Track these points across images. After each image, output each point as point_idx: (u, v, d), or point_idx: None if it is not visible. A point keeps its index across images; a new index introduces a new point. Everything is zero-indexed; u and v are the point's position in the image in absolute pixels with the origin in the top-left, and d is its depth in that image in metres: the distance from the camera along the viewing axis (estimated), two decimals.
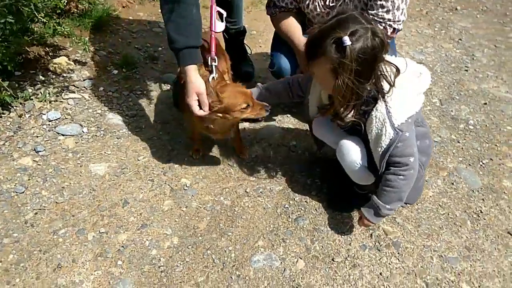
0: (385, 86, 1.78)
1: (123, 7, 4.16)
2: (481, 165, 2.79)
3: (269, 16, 2.74)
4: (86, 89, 3.06)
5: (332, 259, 2.07)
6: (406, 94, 1.82)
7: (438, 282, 2.00)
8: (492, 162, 2.83)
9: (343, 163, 2.08)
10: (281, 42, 2.71)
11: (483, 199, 2.51)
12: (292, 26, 2.58)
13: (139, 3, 4.30)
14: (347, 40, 1.60)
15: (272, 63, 2.83)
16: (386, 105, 1.80)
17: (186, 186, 2.40)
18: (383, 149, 1.85)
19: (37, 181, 2.33)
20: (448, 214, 2.39)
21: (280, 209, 2.32)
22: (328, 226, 2.24)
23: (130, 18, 4.06)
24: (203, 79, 2.11)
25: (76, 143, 2.62)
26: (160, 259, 2.01)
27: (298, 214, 2.29)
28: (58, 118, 2.76)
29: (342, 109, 1.82)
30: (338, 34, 1.62)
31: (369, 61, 1.66)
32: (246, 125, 2.94)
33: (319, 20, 2.55)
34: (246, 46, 3.52)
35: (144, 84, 3.25)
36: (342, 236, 2.19)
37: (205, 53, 2.24)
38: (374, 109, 1.83)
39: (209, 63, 2.22)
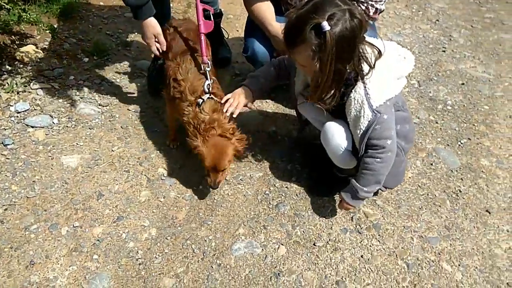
0: (365, 68, 1.74)
1: None
2: (459, 145, 2.81)
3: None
4: (56, 78, 2.93)
5: (314, 244, 2.05)
6: (385, 77, 1.79)
7: (419, 262, 2.01)
8: (470, 141, 2.85)
9: (327, 147, 2.05)
10: (254, 26, 2.64)
11: (461, 179, 2.53)
12: (265, 10, 2.50)
13: None
14: (326, 25, 1.54)
15: (246, 48, 2.75)
16: (365, 87, 1.77)
17: (164, 176, 2.34)
18: (361, 131, 1.83)
19: (6, 175, 2.23)
20: (428, 194, 2.39)
21: (261, 196, 2.28)
22: (309, 211, 2.22)
23: (101, 3, 3.91)
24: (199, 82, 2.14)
25: (46, 135, 2.51)
26: (138, 252, 1.95)
27: (279, 200, 2.26)
28: (27, 110, 2.64)
29: (324, 93, 1.78)
30: (316, 19, 1.56)
31: (349, 43, 1.62)
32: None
33: (296, 1, 2.49)
34: (222, 30, 3.43)
35: (117, 72, 3.15)
36: (323, 221, 2.18)
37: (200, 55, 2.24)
38: (353, 90, 1.80)
39: (202, 69, 2.17)
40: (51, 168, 2.30)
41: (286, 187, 2.35)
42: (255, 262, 1.95)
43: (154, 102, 2.86)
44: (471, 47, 4.09)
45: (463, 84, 3.47)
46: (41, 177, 2.25)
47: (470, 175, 2.56)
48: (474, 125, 3.02)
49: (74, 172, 2.30)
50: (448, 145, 2.79)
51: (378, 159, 1.86)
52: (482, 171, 2.60)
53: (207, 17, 2.31)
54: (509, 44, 4.24)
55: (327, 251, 2.02)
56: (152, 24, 2.27)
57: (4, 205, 2.08)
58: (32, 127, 2.53)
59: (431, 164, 2.61)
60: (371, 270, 1.95)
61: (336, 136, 1.99)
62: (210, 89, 2.12)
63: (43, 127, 2.55)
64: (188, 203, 2.21)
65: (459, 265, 2.02)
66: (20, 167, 2.29)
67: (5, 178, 2.22)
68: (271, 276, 1.90)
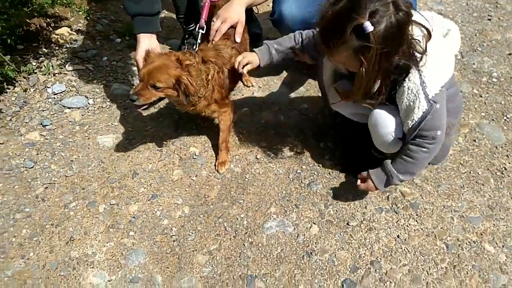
0: (417, 53, 1.60)
1: None
2: (505, 119, 2.63)
3: None
4: (90, 59, 2.98)
5: (347, 223, 2.01)
6: (439, 60, 1.64)
7: (459, 243, 1.93)
8: None
9: (375, 133, 1.91)
10: None
11: (507, 156, 2.38)
12: None
13: None
14: (369, 26, 1.40)
15: (273, 10, 2.60)
16: (420, 75, 1.62)
17: (195, 155, 2.35)
18: (414, 122, 1.69)
19: (45, 155, 2.31)
20: (470, 172, 2.27)
21: (292, 175, 2.25)
22: (342, 190, 2.17)
23: None
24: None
25: (82, 115, 2.58)
26: (172, 229, 1.98)
27: (311, 179, 2.22)
28: (63, 91, 2.70)
29: (368, 89, 1.67)
30: (356, 20, 1.42)
31: (396, 38, 1.49)
32: (255, 89, 2.83)
33: None
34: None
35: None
36: (357, 200, 2.12)
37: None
38: (407, 79, 1.65)
39: (196, 30, 2.14)
40: (88, 148, 2.36)
41: (318, 165, 2.30)
42: (287, 241, 1.94)
43: None
44: None
45: (510, 54, 3.23)
46: (79, 156, 2.32)
47: None
48: None
49: (110, 152, 2.35)
50: (493, 120, 2.63)
51: (425, 149, 1.75)
52: None
53: None
54: None
55: (361, 231, 1.98)
56: (144, 47, 2.02)
57: (44, 184, 2.17)
58: (69, 108, 2.60)
59: (474, 141, 2.47)
60: (408, 251, 1.89)
61: (388, 123, 1.83)
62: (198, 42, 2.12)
63: (79, 108, 2.61)
64: (219, 181, 2.21)
65: (503, 246, 1.92)
66: (58, 147, 2.36)
67: (44, 157, 2.30)
68: (303, 255, 1.88)
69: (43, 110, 2.57)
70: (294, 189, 2.18)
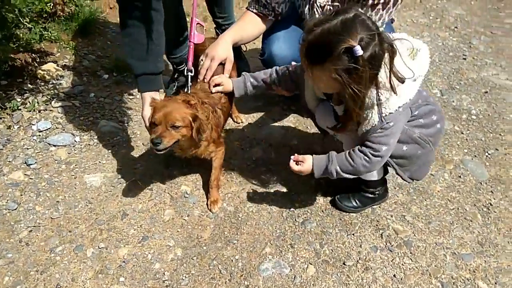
0: (381, 73, 1.67)
1: (111, 8, 4.03)
2: (487, 156, 2.73)
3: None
4: (76, 96, 2.95)
5: (343, 263, 1.99)
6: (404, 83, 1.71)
7: (454, 281, 1.94)
8: (498, 152, 2.77)
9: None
10: (274, 25, 2.57)
11: (491, 191, 2.45)
12: (239, 26, 2.45)
13: None
14: (359, 50, 1.49)
15: (263, 51, 2.68)
16: (377, 92, 1.69)
17: (187, 194, 2.31)
18: (362, 131, 1.80)
19: (30, 196, 2.22)
20: (458, 208, 2.32)
21: (286, 213, 2.23)
22: (336, 228, 2.16)
23: (118, 20, 3.92)
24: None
25: (68, 153, 2.51)
26: (164, 273, 1.91)
27: (305, 217, 2.21)
28: (49, 128, 2.64)
29: (361, 116, 1.74)
30: (348, 42, 1.50)
31: (376, 65, 1.58)
32: (246, 125, 2.85)
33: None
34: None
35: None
36: (352, 238, 2.12)
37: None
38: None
39: (185, 73, 2.19)
40: (75, 188, 2.29)
41: (311, 203, 2.30)
42: (284, 283, 1.90)
43: None
44: (492, 54, 4.02)
45: (486, 92, 3.40)
46: (65, 197, 2.24)
47: (500, 187, 2.48)
48: (500, 134, 2.94)
49: (98, 191, 2.28)
50: (475, 156, 2.72)
51: (367, 158, 1.82)
52: None
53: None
54: None
55: (358, 271, 1.96)
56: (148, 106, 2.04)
57: (29, 227, 2.07)
58: (54, 145, 2.54)
59: (459, 177, 2.53)
60: None
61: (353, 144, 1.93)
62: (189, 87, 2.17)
63: (65, 146, 2.55)
64: (212, 221, 2.17)
65: (495, 283, 1.94)
66: (43, 187, 2.28)
67: (29, 198, 2.21)
68: None
69: (28, 148, 2.49)
70: (288, 228, 2.16)
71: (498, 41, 4.19)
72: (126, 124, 2.78)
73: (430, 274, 1.96)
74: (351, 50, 1.50)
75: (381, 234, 2.14)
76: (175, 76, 3.05)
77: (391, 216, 2.24)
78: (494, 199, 2.39)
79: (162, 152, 1.91)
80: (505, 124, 3.04)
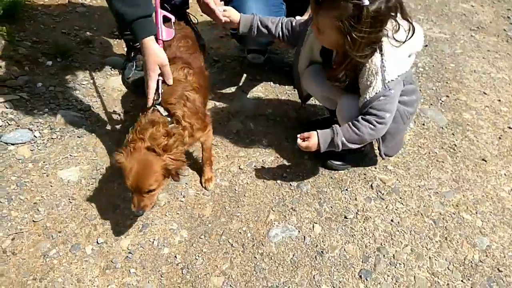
0: (384, 39, 1.75)
1: None
2: (441, 103, 2.98)
3: None
4: (22, 87, 2.63)
5: (345, 217, 2.09)
6: (401, 52, 1.82)
7: (442, 216, 2.13)
8: (449, 98, 3.04)
9: (340, 119, 2.07)
10: None
11: (453, 134, 2.70)
12: None
13: None
14: (366, 0, 1.54)
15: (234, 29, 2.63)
16: (382, 59, 1.79)
17: None
18: (366, 99, 1.86)
19: (0, 202, 1.98)
20: (429, 153, 2.53)
21: (280, 180, 2.26)
22: (330, 187, 2.24)
23: (45, 1, 3.54)
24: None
25: (31, 150, 2.26)
26: (175, 257, 1.85)
27: (298, 181, 2.26)
28: (0, 126, 2.34)
29: (349, 69, 1.79)
30: None
31: (380, 21, 1.64)
32: (216, 99, 2.78)
33: None
34: (190, 16, 3.27)
35: (87, 73, 2.89)
36: (346, 193, 2.21)
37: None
38: (370, 60, 1.81)
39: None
40: (51, 186, 2.09)
41: (300, 166, 2.35)
42: (296, 245, 1.95)
43: (139, 99, 2.68)
44: (422, 10, 4.32)
45: (426, 46, 3.66)
46: (42, 197, 2.03)
47: (458, 129, 2.74)
48: (447, 83, 3.21)
49: (78, 186, 2.10)
50: (431, 104, 2.95)
51: (372, 126, 1.89)
52: (468, 124, 2.80)
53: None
54: (453, 4, 4.53)
55: (359, 222, 2.07)
56: (155, 50, 1.87)
57: (9, 235, 1.86)
58: (13, 144, 2.27)
59: (423, 124, 2.75)
60: (404, 232, 2.03)
61: (352, 110, 1.99)
62: (159, 98, 1.87)
63: (25, 143, 2.29)
64: (210, 198, 2.13)
65: (476, 212, 2.17)
66: (14, 190, 2.04)
67: (0, 205, 1.97)
68: (315, 255, 1.91)
69: None
70: (286, 193, 2.19)
71: None
72: (87, 112, 2.56)
73: (422, 214, 2.13)
74: None
75: (371, 185, 2.26)
76: (132, 55, 2.85)
77: (375, 168, 2.37)
78: (456, 140, 2.64)
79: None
80: (448, 73, 3.33)
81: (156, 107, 1.84)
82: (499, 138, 2.69)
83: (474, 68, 3.43)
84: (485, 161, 2.50)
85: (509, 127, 2.79)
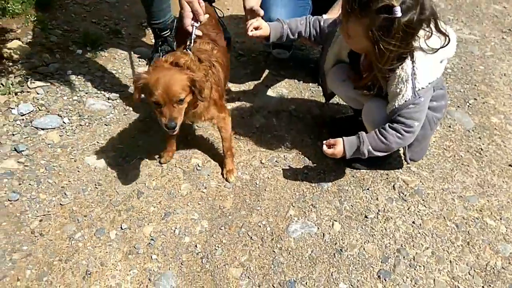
0: (415, 44, 1.72)
1: None
2: (468, 105, 2.92)
3: None
4: (53, 74, 2.71)
5: (365, 216, 2.08)
6: (433, 59, 1.78)
7: (465, 221, 2.10)
8: (477, 101, 2.97)
9: (367, 123, 2.06)
10: None
11: (479, 137, 2.64)
12: None
13: None
14: (398, 11, 1.51)
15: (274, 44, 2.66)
16: (413, 66, 1.75)
17: (199, 167, 2.25)
18: (395, 107, 1.83)
19: (30, 184, 2.05)
20: (454, 156, 2.48)
21: (301, 176, 2.26)
22: (351, 185, 2.24)
23: None
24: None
25: (60, 136, 2.33)
26: (196, 246, 1.89)
27: (319, 178, 2.26)
28: (32, 111, 2.43)
29: (379, 77, 1.77)
30: (390, 0, 1.52)
31: (411, 32, 1.61)
32: (240, 94, 2.80)
33: None
34: (216, 10, 3.28)
35: (116, 62, 2.96)
36: (368, 192, 2.20)
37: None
38: (400, 67, 1.77)
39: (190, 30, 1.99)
40: (78, 171, 2.15)
41: (322, 163, 2.34)
42: (315, 242, 1.95)
43: None
44: (453, 10, 4.22)
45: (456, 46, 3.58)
46: (70, 181, 2.10)
47: (485, 133, 2.68)
48: (475, 85, 3.14)
49: (104, 172, 2.16)
50: (458, 106, 2.90)
51: (400, 135, 1.86)
52: (495, 128, 2.73)
53: None
54: (484, 5, 4.41)
55: (380, 222, 2.06)
56: None
57: (38, 216, 1.93)
58: (43, 129, 2.34)
59: (449, 127, 2.70)
60: (426, 234, 2.01)
61: (377, 114, 1.97)
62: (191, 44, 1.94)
63: (54, 128, 2.36)
64: (231, 191, 2.15)
65: (500, 218, 2.13)
66: (43, 173, 2.11)
67: (29, 187, 2.04)
68: (334, 253, 1.91)
69: (13, 134, 2.28)
70: (306, 190, 2.19)
71: None
72: (115, 101, 2.62)
73: (444, 218, 2.10)
74: (390, 9, 1.51)
75: (393, 186, 2.24)
76: (159, 44, 2.89)
77: (398, 169, 2.35)
78: (483, 144, 2.59)
79: (176, 130, 1.78)
80: (477, 75, 3.25)
81: (187, 50, 1.88)
82: None
83: (504, 71, 3.34)
84: None
85: None
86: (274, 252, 1.90)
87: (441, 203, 2.18)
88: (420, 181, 2.29)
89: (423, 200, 2.19)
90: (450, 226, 2.06)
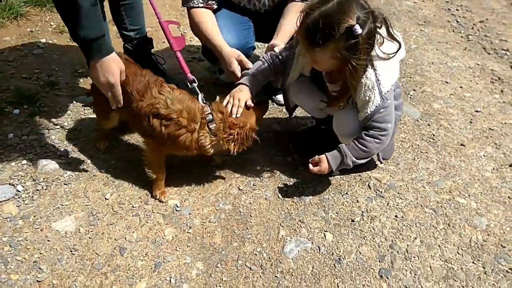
0: (373, 52, 1.81)
1: None
2: (410, 97, 3.14)
3: (186, 10, 2.54)
4: None
5: (352, 220, 2.13)
6: (390, 62, 1.89)
7: (440, 204, 2.23)
8: (416, 92, 3.21)
9: (341, 133, 2.14)
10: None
11: (428, 124, 2.85)
12: (214, 26, 2.43)
13: (0, 26, 3.57)
14: (358, 29, 1.60)
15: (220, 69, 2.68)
16: (376, 73, 1.86)
17: (177, 207, 2.17)
18: (367, 114, 1.93)
19: None
20: (412, 145, 2.65)
21: (281, 194, 2.27)
22: (330, 193, 2.29)
23: None
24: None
25: (18, 206, 2.12)
26: None
27: (299, 192, 2.29)
28: None
29: (352, 92, 1.87)
30: (347, 22, 1.60)
31: (371, 42, 1.71)
32: None
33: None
34: (156, 58, 3.20)
35: (59, 116, 2.77)
36: (347, 197, 2.27)
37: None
38: (364, 76, 1.86)
39: (190, 86, 2.11)
40: (48, 240, 1.97)
41: (297, 178, 2.37)
42: (313, 257, 1.96)
43: (122, 134, 2.60)
44: None
45: None
46: (41, 254, 1.91)
47: (432, 119, 2.90)
48: (411, 77, 3.40)
49: (77, 236, 2.00)
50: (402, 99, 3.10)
51: (378, 140, 1.97)
52: (439, 113, 2.97)
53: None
54: (397, 2, 4.82)
55: (367, 223, 2.12)
56: (116, 58, 1.84)
57: None
58: None
59: (400, 120, 2.87)
60: (410, 225, 2.11)
61: (353, 125, 2.05)
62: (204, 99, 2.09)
63: (9, 200, 2.15)
64: (217, 225, 2.10)
65: (468, 195, 2.30)
66: (8, 252, 1.90)
67: None
68: (334, 264, 1.93)
69: None
70: (290, 207, 2.21)
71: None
72: (69, 157, 2.44)
73: (421, 206, 2.23)
74: (350, 30, 1.59)
75: (368, 185, 2.33)
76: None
77: (367, 168, 2.45)
78: (433, 130, 2.79)
79: None
80: (409, 68, 3.52)
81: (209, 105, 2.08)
82: (470, 122, 2.87)
83: (431, 60, 3.65)
84: (464, 145, 2.66)
85: (476, 111, 3.00)
86: (277, 277, 1.87)
87: (414, 192, 2.30)
88: (390, 176, 2.41)
89: (398, 193, 2.30)
90: (429, 213, 2.19)
